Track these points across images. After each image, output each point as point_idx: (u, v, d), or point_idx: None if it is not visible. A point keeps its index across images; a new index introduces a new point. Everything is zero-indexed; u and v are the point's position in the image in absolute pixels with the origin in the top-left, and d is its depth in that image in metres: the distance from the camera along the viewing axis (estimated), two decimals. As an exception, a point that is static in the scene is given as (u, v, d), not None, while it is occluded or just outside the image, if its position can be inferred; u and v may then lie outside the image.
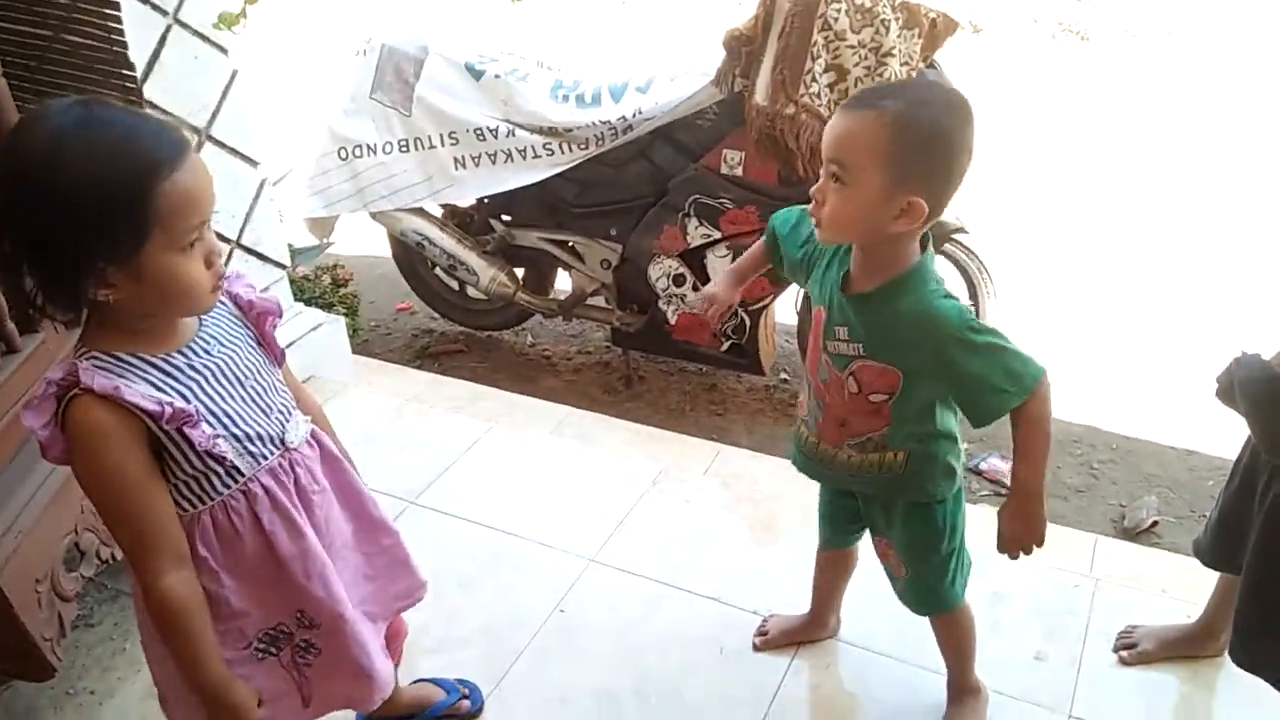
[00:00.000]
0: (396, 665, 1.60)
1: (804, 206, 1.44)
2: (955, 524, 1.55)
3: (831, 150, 1.26)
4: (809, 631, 1.88)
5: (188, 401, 1.11)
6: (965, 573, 1.61)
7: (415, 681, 1.74)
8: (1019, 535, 1.41)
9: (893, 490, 1.51)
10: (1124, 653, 1.84)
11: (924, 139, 1.24)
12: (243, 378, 1.19)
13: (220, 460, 1.15)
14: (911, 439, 1.43)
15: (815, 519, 1.75)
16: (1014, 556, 1.43)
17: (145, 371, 1.10)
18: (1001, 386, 1.29)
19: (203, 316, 1.19)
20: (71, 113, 1.02)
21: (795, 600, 1.93)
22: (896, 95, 1.29)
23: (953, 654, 1.69)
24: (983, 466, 2.63)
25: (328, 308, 3.15)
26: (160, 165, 1.02)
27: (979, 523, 1.60)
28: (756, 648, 1.87)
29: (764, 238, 1.58)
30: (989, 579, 1.98)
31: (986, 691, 1.72)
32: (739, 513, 2.24)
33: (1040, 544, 1.42)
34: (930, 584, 1.59)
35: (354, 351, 3.00)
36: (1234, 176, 4.68)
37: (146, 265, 1.03)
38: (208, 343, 1.17)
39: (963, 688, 1.71)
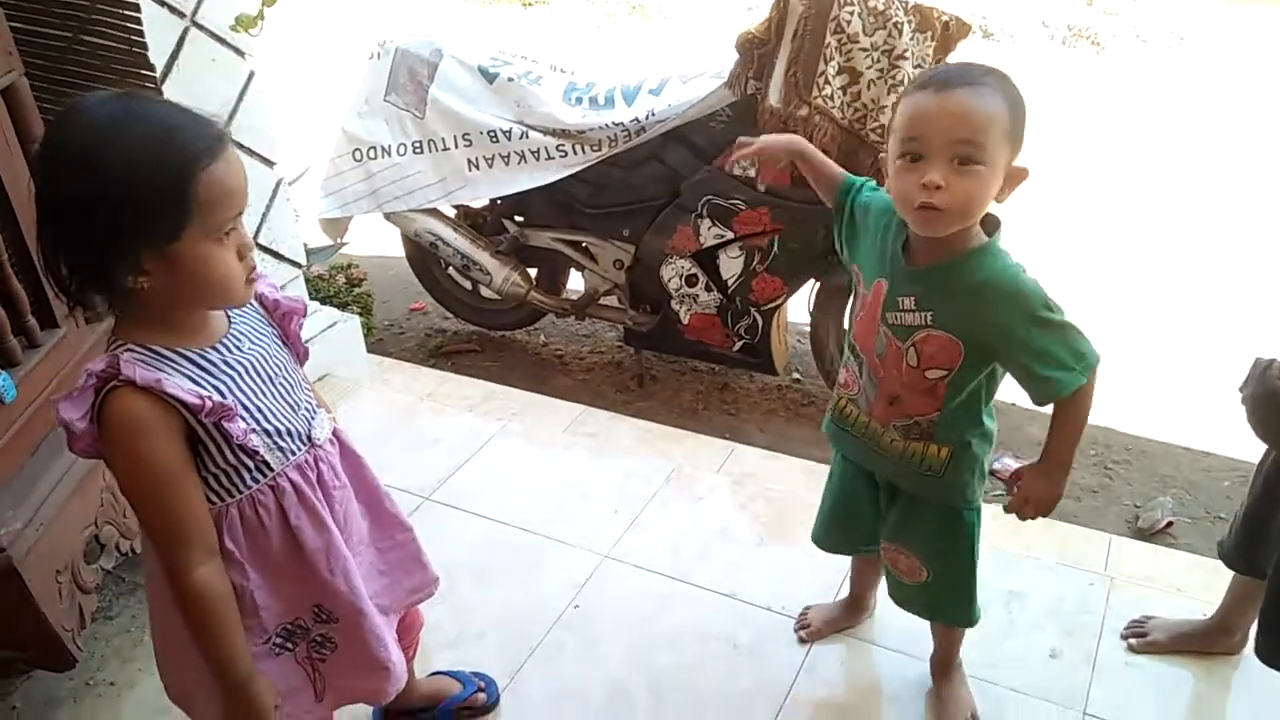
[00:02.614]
0: (412, 658, 1.61)
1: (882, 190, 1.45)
2: (977, 533, 1.56)
3: (961, 132, 1.23)
4: (851, 617, 1.89)
5: (223, 396, 1.12)
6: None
7: (432, 674, 1.75)
8: (1040, 496, 1.43)
9: (928, 489, 1.51)
10: (1132, 640, 1.84)
11: (1022, 106, 1.27)
12: (272, 374, 1.21)
13: (252, 454, 1.16)
14: (956, 432, 1.44)
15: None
16: (1025, 516, 1.46)
17: (182, 365, 1.11)
18: (1069, 364, 1.32)
19: (233, 315, 1.20)
20: (111, 104, 1.04)
21: (808, 598, 1.94)
22: (979, 72, 1.26)
23: (953, 644, 1.72)
24: (996, 467, 2.62)
25: (342, 307, 3.16)
26: (200, 155, 1.04)
27: (993, 520, 1.61)
28: (803, 640, 1.86)
29: (843, 181, 1.53)
30: (1005, 578, 2.00)
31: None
32: (752, 510, 2.25)
33: (1049, 511, 1.45)
34: (960, 593, 1.60)
35: (368, 350, 3.01)
36: (1247, 179, 4.67)
37: (182, 254, 1.05)
38: (238, 340, 1.19)
39: (952, 663, 1.74)
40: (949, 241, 1.32)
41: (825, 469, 1.74)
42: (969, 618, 1.64)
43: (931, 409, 1.42)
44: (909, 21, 2.44)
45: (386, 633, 1.36)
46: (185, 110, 1.08)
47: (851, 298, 1.53)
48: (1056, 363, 1.32)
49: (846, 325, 1.60)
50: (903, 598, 1.69)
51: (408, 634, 1.55)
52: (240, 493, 1.18)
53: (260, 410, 1.17)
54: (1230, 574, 1.74)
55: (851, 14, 2.40)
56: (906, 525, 1.57)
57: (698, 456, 2.50)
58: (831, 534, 1.76)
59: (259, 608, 1.23)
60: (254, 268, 1.15)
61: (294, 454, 1.22)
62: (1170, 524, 2.44)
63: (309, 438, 1.24)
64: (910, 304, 1.37)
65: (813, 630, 1.87)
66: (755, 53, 2.52)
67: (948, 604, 1.64)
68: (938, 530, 1.55)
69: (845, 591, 1.92)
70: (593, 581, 2.04)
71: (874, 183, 1.52)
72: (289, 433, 1.21)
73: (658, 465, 2.40)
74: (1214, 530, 2.39)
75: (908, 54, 2.43)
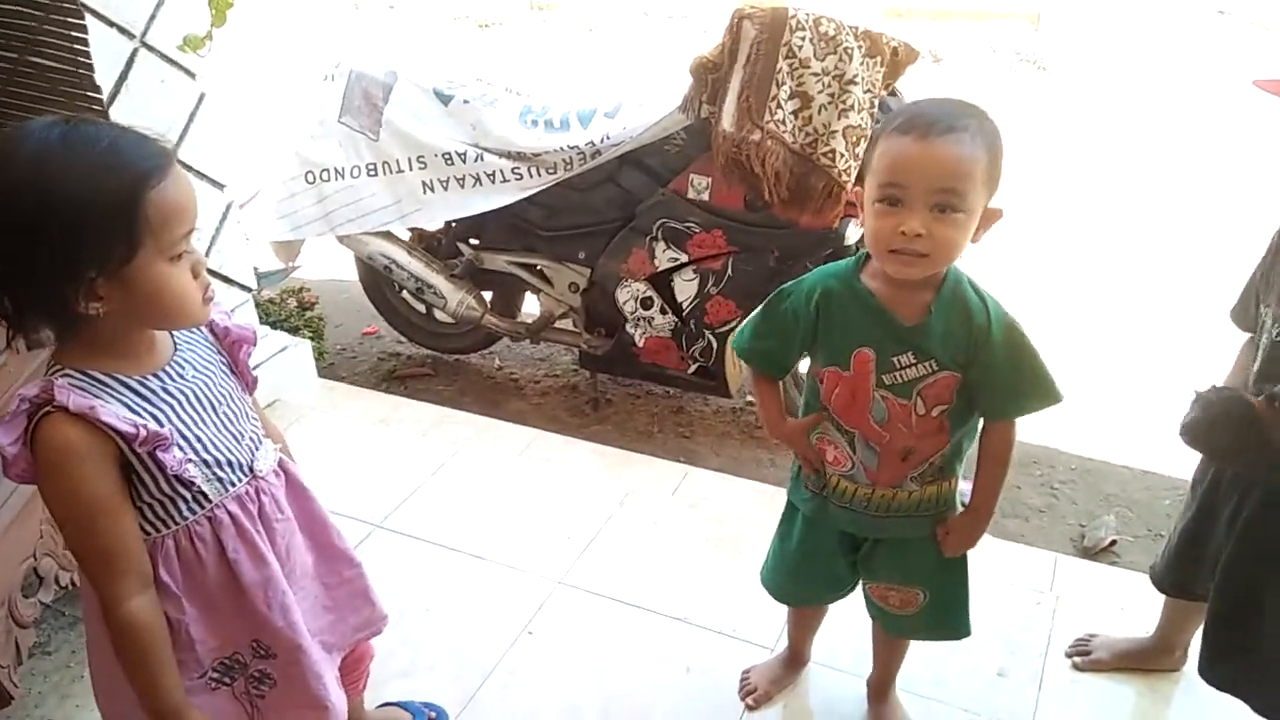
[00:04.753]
0: (363, 689, 1.59)
1: (757, 315, 1.47)
2: None
3: (942, 181, 1.23)
4: (793, 673, 1.85)
5: (160, 425, 1.11)
6: None
7: (382, 705, 1.73)
8: (966, 545, 1.51)
9: (929, 526, 1.51)
10: (1077, 659, 1.88)
11: (1000, 148, 1.28)
12: (215, 403, 1.19)
13: (189, 485, 1.14)
14: (958, 459, 1.46)
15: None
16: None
17: (120, 393, 1.09)
18: (1032, 391, 1.38)
19: (179, 342, 1.19)
20: (55, 129, 1.02)
21: (760, 620, 1.95)
22: (960, 114, 1.26)
23: (896, 666, 1.73)
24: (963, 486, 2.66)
25: (293, 331, 3.13)
26: (148, 175, 1.03)
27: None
28: (750, 708, 1.80)
29: (755, 366, 1.54)
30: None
31: None
32: (706, 534, 2.26)
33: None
34: (960, 606, 1.60)
35: (320, 375, 2.98)
36: (1191, 202, 4.80)
37: (137, 276, 1.04)
38: (182, 367, 1.17)
39: (891, 685, 1.76)
40: (925, 284, 1.34)
41: (779, 491, 1.74)
42: (967, 627, 1.62)
43: (942, 444, 1.43)
44: (859, 47, 2.48)
45: (327, 671, 1.32)
46: (128, 130, 1.08)
47: (816, 383, 1.48)
48: (1031, 382, 1.38)
49: (801, 405, 1.56)
50: (898, 628, 1.66)
51: (357, 666, 1.53)
52: (176, 524, 1.16)
53: (200, 440, 1.16)
54: (1169, 594, 1.78)
55: (803, 39, 2.44)
56: (904, 564, 1.56)
57: (652, 480, 2.50)
58: (801, 588, 1.72)
59: (194, 641, 1.20)
60: (209, 285, 1.14)
61: (234, 485, 1.20)
62: (1114, 542, 2.48)
63: (251, 469, 1.23)
64: (909, 359, 1.36)
65: (760, 695, 1.81)
66: (709, 77, 2.55)
67: (948, 621, 1.62)
68: (939, 558, 1.54)
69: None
70: (547, 607, 2.03)
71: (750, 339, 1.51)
72: (229, 463, 1.19)
73: (612, 489, 2.40)
74: (1155, 548, 2.42)
75: (858, 79, 2.48)
